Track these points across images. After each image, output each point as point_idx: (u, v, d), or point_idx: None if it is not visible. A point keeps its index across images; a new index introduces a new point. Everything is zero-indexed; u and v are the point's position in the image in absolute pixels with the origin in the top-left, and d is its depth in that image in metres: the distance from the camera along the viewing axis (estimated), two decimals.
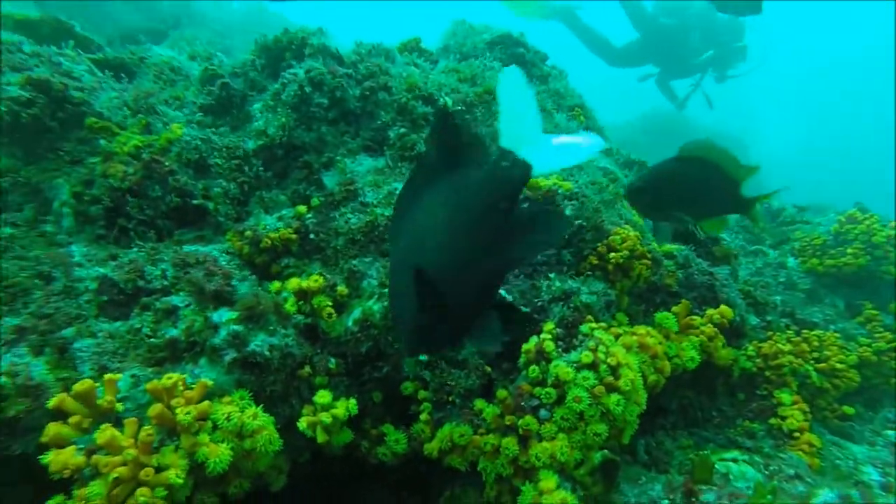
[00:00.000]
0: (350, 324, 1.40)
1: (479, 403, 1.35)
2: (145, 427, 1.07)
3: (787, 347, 2.09)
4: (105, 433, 1.04)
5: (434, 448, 1.35)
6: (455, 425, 1.33)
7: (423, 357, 1.37)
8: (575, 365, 1.26)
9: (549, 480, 1.16)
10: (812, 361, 2.32)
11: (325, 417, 1.27)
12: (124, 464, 1.02)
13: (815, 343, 2.43)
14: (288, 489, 1.34)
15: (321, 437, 1.29)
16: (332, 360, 1.37)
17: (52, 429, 1.07)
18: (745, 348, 1.98)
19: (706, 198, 1.54)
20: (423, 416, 1.39)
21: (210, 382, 1.17)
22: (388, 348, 1.42)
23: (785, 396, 1.96)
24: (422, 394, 1.43)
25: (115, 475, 1.01)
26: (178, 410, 1.10)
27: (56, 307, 1.30)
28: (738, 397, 1.94)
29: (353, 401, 1.32)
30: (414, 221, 0.97)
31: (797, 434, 1.78)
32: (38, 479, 1.05)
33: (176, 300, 1.32)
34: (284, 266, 1.52)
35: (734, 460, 1.54)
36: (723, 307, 1.77)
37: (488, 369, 1.43)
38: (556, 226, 0.99)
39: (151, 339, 1.27)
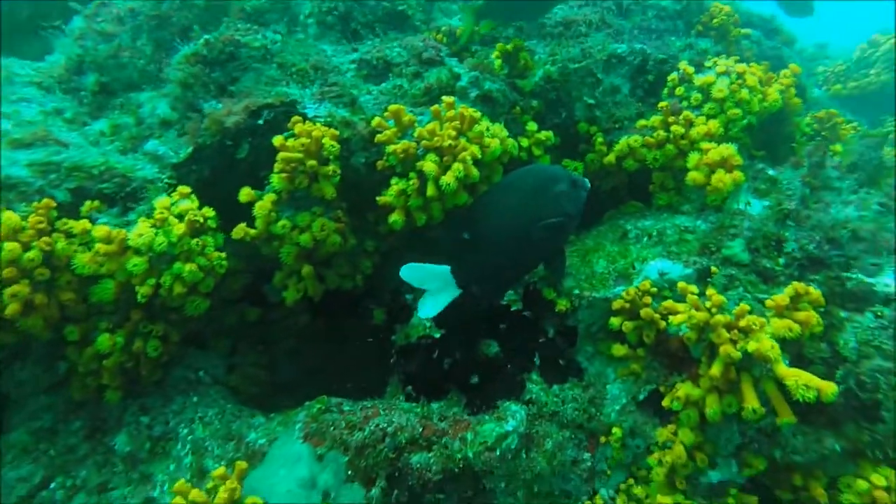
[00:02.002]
0: (538, 79, 1.90)
1: (641, 122, 1.87)
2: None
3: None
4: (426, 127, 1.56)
5: (612, 159, 1.88)
6: (628, 137, 1.86)
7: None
8: (714, 72, 1.77)
9: (708, 146, 1.69)
10: None
11: (543, 135, 1.80)
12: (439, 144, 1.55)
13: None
14: None
15: (537, 152, 1.83)
16: (534, 101, 1.88)
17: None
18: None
19: None
20: (598, 139, 1.92)
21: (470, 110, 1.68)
22: (565, 95, 1.94)
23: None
24: (593, 129, 1.95)
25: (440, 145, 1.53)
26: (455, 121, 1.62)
27: (335, 80, 1.79)
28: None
29: (551, 133, 1.84)
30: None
31: None
32: None
33: (415, 67, 1.82)
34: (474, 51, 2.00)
35: None
36: (792, 65, 2.27)
37: (640, 104, 1.95)
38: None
39: (411, 91, 1.78)
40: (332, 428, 1.58)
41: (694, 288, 1.43)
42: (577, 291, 1.71)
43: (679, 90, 1.82)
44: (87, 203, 1.55)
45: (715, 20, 2.02)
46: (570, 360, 1.75)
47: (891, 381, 1.36)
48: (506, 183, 1.46)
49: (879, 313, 1.42)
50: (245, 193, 1.59)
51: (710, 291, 1.39)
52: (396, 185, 1.59)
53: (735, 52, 2.06)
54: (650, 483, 1.59)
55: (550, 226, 1.42)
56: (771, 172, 1.72)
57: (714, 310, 1.36)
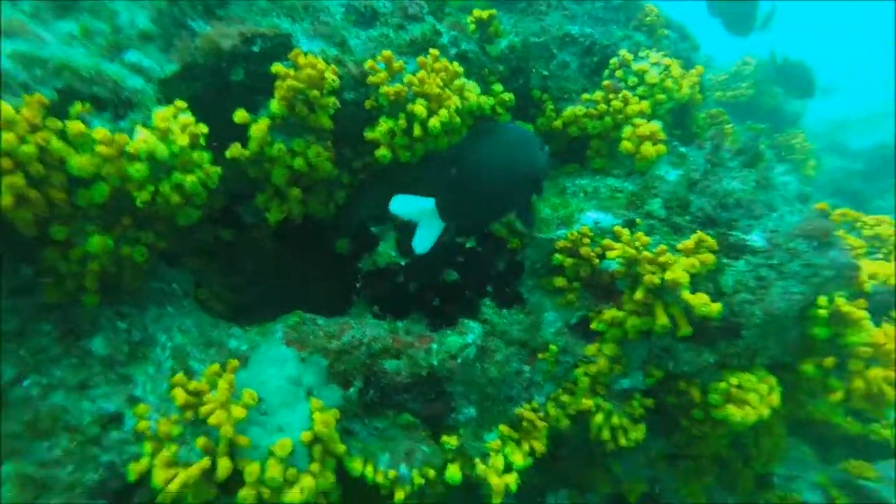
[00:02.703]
0: (503, 47, 2.15)
1: (585, 96, 2.20)
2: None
3: None
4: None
5: (559, 124, 2.20)
6: (573, 107, 2.18)
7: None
8: (648, 62, 2.14)
9: (640, 122, 2.06)
10: None
11: (507, 96, 2.06)
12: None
13: None
14: None
15: (500, 111, 2.09)
16: (501, 66, 2.13)
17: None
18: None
19: None
20: (548, 106, 2.22)
21: (454, 65, 1.89)
22: (524, 65, 2.21)
23: None
24: (545, 96, 2.25)
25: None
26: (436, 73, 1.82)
27: (326, 20, 1.90)
28: None
29: (512, 94, 2.11)
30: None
31: None
32: None
33: (399, 20, 1.98)
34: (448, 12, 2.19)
35: None
36: (698, 66, 2.74)
37: (584, 81, 2.27)
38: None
39: (397, 41, 1.94)
40: (311, 336, 1.76)
41: (627, 231, 1.80)
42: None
43: (619, 73, 2.17)
44: (78, 105, 1.54)
45: (647, 18, 2.39)
46: (516, 291, 2.06)
47: (751, 309, 1.82)
48: (488, 131, 1.70)
49: (748, 261, 1.89)
50: (240, 115, 1.68)
51: (637, 234, 1.75)
52: (385, 123, 1.77)
53: (659, 48, 2.46)
54: (575, 393, 1.96)
55: (534, 177, 1.69)
56: (682, 149, 2.13)
57: (641, 248, 1.73)
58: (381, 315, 1.96)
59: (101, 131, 1.46)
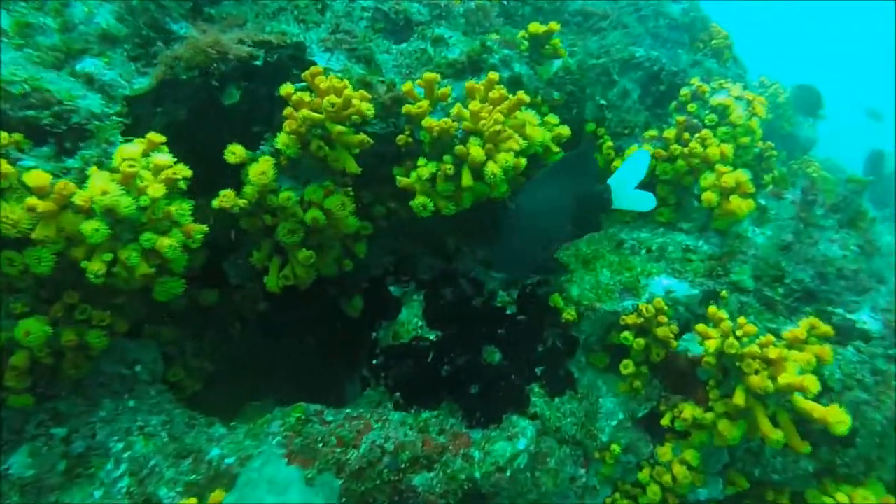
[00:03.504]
0: (557, 69, 1.77)
1: (651, 132, 1.83)
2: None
3: None
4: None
5: (618, 164, 1.83)
6: (637, 146, 1.81)
7: None
8: (727, 96, 1.78)
9: (723, 169, 1.70)
10: None
11: (564, 131, 1.68)
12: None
13: None
14: None
15: (554, 149, 1.70)
16: (556, 92, 1.74)
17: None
18: None
19: None
20: (606, 143, 1.85)
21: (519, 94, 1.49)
22: (580, 92, 1.83)
23: None
24: (601, 130, 1.87)
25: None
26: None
27: (349, 28, 1.48)
28: None
29: (567, 128, 1.73)
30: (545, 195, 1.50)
31: None
32: None
33: (441, 30, 1.58)
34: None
35: None
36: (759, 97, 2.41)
37: (647, 113, 1.91)
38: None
39: (436, 59, 1.54)
40: (321, 444, 1.34)
41: (724, 314, 1.43)
42: (584, 301, 1.64)
43: (691, 107, 1.81)
44: (3, 135, 1.09)
45: (714, 41, 2.05)
46: (567, 371, 1.68)
47: (868, 412, 1.49)
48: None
49: (860, 349, 1.55)
50: (236, 152, 1.25)
51: (741, 320, 1.39)
52: (426, 167, 1.36)
53: (725, 75, 2.11)
54: (637, 499, 1.59)
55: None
56: (760, 201, 1.79)
57: (745, 339, 1.37)
58: (405, 405, 1.55)
59: (37, 175, 1.02)
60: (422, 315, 1.63)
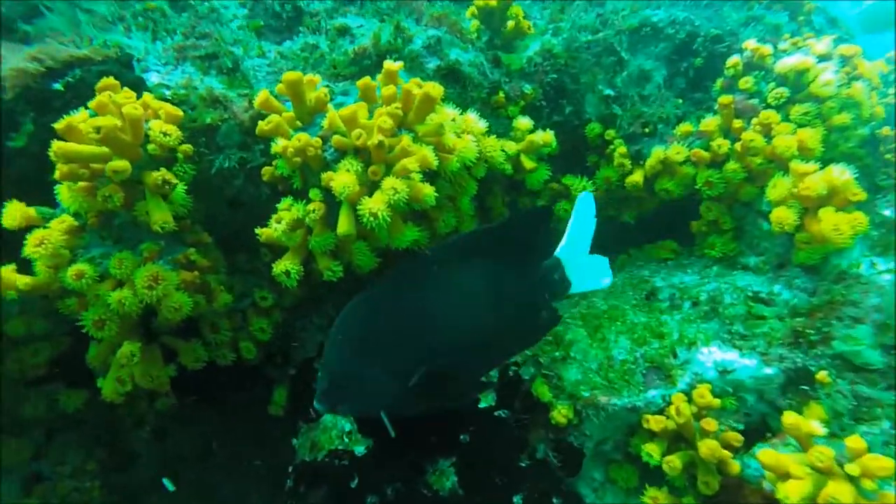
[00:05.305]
0: (533, 53, 1.25)
1: (684, 126, 1.23)
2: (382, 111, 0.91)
3: None
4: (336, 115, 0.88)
5: (638, 178, 1.25)
6: (663, 149, 1.22)
7: None
8: (806, 56, 1.14)
9: (802, 168, 1.06)
10: None
11: (542, 138, 1.14)
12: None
13: None
14: None
15: (528, 164, 1.17)
16: (527, 85, 1.22)
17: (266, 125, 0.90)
18: None
19: None
20: (618, 149, 1.28)
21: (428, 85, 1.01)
22: (572, 83, 1.29)
23: None
24: (610, 132, 1.30)
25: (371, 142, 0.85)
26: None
27: (207, 30, 1.09)
28: None
29: (551, 134, 1.19)
30: (445, 286, 0.88)
31: None
32: None
33: (346, 19, 1.14)
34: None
35: None
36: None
37: (679, 101, 1.31)
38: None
39: (332, 56, 1.09)
40: None
41: (817, 426, 0.79)
42: (585, 393, 1.06)
43: (745, 82, 1.19)
44: None
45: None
46: (570, 494, 1.10)
47: None
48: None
49: None
50: (14, 212, 0.88)
51: (853, 442, 0.74)
52: (289, 210, 0.90)
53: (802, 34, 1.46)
54: None
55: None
56: (886, 212, 1.11)
57: (867, 483, 0.72)
58: None
59: None
60: (350, 418, 1.14)
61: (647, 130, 1.28)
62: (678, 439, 0.97)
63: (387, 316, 0.84)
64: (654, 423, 0.96)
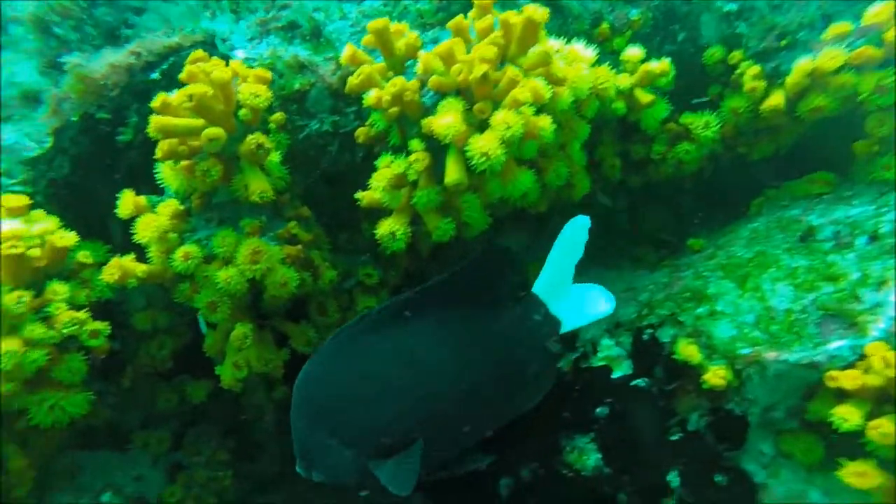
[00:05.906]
0: None
1: (837, 27, 1.03)
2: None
3: None
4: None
5: (779, 101, 1.06)
6: (810, 59, 1.02)
7: None
8: None
9: None
10: None
11: (659, 67, 1.00)
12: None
13: None
14: None
15: (645, 98, 1.03)
16: (633, 10, 1.07)
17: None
18: None
19: None
20: (747, 71, 1.09)
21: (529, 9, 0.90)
22: (682, 4, 1.12)
23: None
24: (735, 55, 1.12)
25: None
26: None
27: (282, 3, 1.06)
28: None
29: (668, 62, 1.04)
30: (410, 339, 0.80)
31: None
32: None
33: None
34: None
35: None
36: None
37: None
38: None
39: (417, 5, 1.01)
40: None
41: None
42: (744, 350, 0.90)
43: None
44: None
45: None
46: (733, 471, 0.94)
47: None
48: None
49: None
50: (127, 202, 0.88)
51: None
52: (389, 166, 0.83)
53: None
54: None
55: None
56: None
57: None
58: None
59: None
60: None
61: (783, 43, 1.08)
62: (883, 400, 0.78)
63: (346, 378, 0.77)
64: (848, 379, 0.78)
